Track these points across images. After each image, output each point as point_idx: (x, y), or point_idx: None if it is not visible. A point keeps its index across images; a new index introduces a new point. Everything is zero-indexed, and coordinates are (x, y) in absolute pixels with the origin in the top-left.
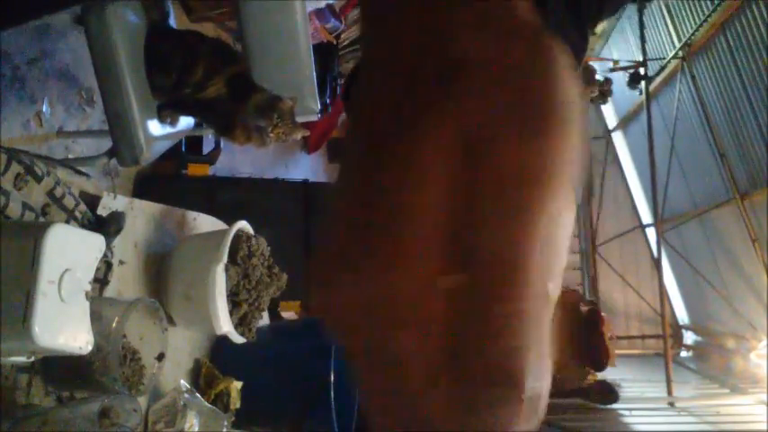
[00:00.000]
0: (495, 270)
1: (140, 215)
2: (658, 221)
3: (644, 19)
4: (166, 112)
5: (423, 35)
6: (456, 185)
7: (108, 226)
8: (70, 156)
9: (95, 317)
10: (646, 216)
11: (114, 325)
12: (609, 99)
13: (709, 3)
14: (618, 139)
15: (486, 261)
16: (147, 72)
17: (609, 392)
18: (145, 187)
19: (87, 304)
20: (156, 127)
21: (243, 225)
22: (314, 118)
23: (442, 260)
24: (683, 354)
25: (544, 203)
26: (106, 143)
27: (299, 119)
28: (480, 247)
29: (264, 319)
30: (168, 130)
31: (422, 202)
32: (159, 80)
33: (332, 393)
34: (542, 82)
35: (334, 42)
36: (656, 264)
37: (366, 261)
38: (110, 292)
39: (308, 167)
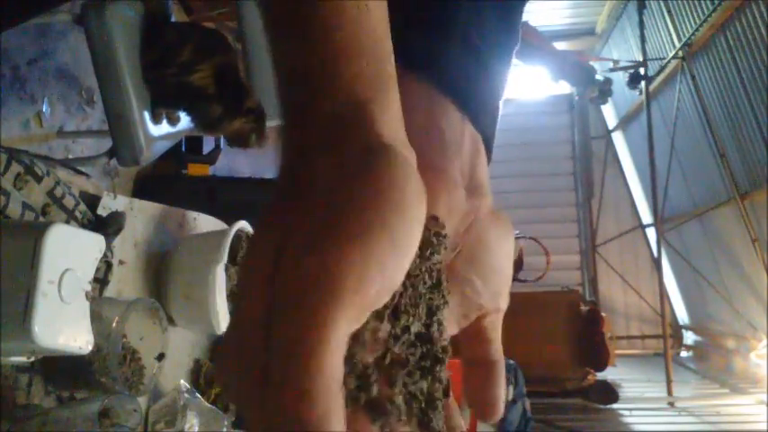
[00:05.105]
0: None
1: (140, 215)
2: (658, 221)
3: (644, 19)
4: (159, 110)
5: None
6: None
7: (108, 226)
8: (70, 156)
9: (95, 317)
10: (646, 216)
11: (114, 325)
12: (609, 99)
13: (709, 3)
14: (618, 139)
15: None
16: (140, 55)
17: (609, 392)
18: (145, 187)
19: (87, 304)
20: (156, 127)
21: (243, 225)
22: None
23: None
24: (683, 354)
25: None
26: (106, 143)
27: None
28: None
29: None
30: (168, 129)
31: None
32: (147, 56)
33: None
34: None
35: None
36: (656, 264)
37: None
38: (110, 292)
39: None
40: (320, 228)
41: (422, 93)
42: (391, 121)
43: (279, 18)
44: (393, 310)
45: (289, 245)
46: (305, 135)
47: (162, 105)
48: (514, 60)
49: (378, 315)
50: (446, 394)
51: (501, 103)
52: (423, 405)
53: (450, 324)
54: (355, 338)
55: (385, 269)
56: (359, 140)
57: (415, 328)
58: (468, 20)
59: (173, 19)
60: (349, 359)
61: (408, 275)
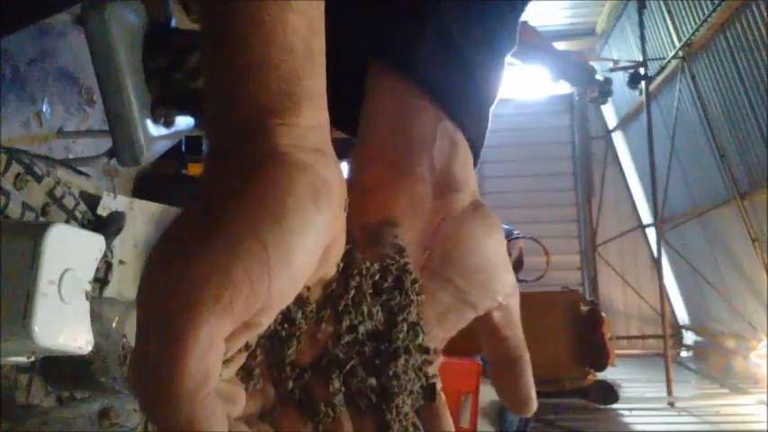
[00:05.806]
0: None
1: (140, 215)
2: (658, 221)
3: (644, 19)
4: (160, 111)
5: None
6: None
7: (108, 226)
8: (70, 156)
9: (95, 317)
10: (646, 216)
11: (114, 325)
12: (609, 99)
13: (709, 3)
14: (618, 139)
15: None
16: (143, 57)
17: (609, 392)
18: (145, 187)
19: (87, 304)
20: (155, 127)
21: None
22: None
23: None
24: (683, 354)
25: None
26: (106, 143)
27: None
28: None
29: None
30: (168, 129)
31: None
32: (155, 62)
33: None
34: None
35: None
36: (656, 264)
37: None
38: (110, 292)
39: None
40: (191, 235)
41: (397, 89)
42: (296, 131)
43: (205, 29)
44: (333, 312)
45: (166, 253)
46: (214, 144)
47: (168, 108)
48: (514, 60)
49: (318, 318)
50: (430, 398)
51: (491, 101)
52: (373, 401)
53: (440, 325)
54: (282, 342)
55: (256, 278)
56: (251, 150)
57: (366, 327)
58: (449, 16)
59: (173, 20)
60: (278, 362)
61: (350, 277)
